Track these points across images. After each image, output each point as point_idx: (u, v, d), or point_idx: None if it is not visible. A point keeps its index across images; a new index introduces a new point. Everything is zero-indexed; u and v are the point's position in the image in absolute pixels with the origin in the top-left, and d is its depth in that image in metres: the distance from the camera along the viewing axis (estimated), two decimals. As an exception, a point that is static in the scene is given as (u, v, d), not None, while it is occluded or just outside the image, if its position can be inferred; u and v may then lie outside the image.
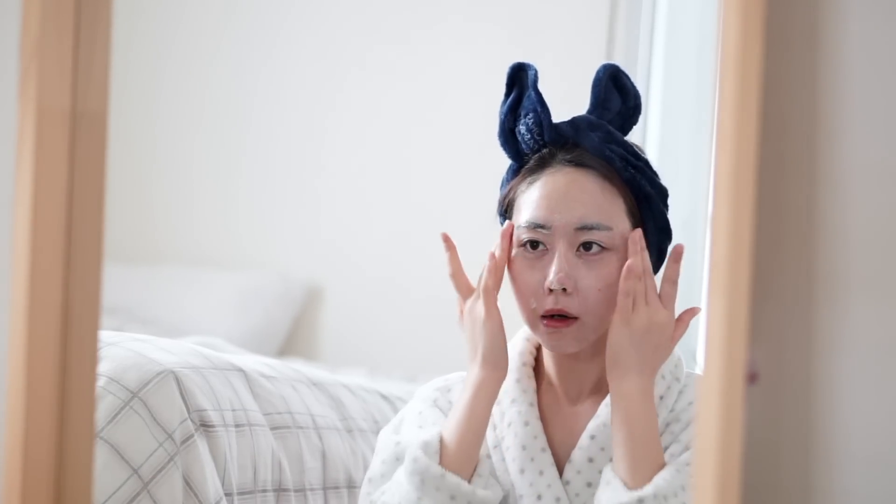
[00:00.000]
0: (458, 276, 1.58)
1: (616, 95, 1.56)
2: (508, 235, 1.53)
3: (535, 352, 1.60)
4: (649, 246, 1.54)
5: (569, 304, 1.48)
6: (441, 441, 1.48)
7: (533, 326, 1.52)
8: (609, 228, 1.49)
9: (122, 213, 3.86)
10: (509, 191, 1.57)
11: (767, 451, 1.04)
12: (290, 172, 3.77)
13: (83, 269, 1.18)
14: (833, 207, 1.04)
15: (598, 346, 1.54)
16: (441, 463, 1.47)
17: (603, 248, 1.49)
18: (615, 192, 1.51)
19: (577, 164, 1.52)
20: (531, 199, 1.52)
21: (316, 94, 3.74)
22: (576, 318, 1.49)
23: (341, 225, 3.67)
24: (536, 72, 1.55)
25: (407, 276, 3.56)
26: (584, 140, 1.53)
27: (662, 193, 1.56)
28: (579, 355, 1.54)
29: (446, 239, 1.59)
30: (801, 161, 1.04)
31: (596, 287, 1.49)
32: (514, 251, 1.53)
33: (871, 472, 1.03)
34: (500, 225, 1.59)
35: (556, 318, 1.49)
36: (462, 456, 1.48)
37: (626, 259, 1.50)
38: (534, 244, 1.51)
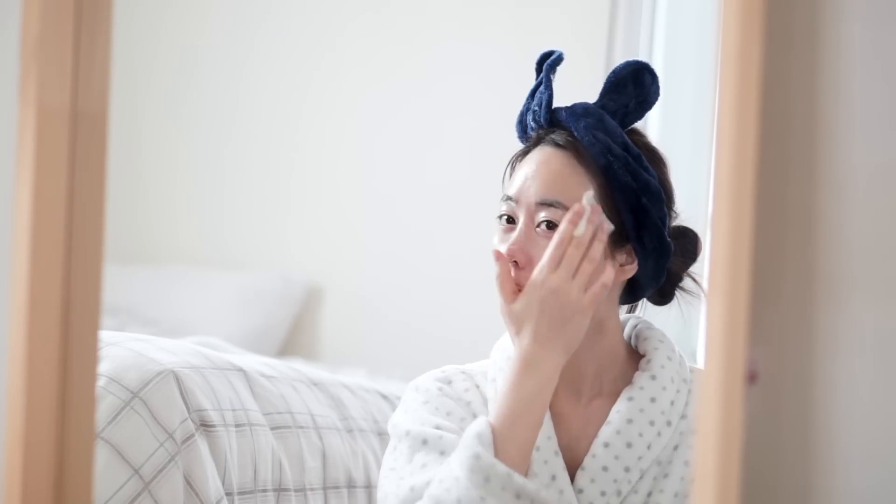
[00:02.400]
0: (507, 278, 1.49)
1: (631, 89, 1.57)
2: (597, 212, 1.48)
3: None
4: (636, 242, 1.53)
5: (521, 278, 1.49)
6: (493, 431, 1.40)
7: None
8: (568, 208, 1.49)
9: (122, 213, 3.86)
10: (509, 171, 1.60)
11: (767, 451, 1.04)
12: (290, 173, 3.77)
13: (83, 269, 1.18)
14: (833, 207, 1.04)
15: (591, 341, 1.52)
16: (498, 456, 1.39)
17: None
18: (586, 177, 1.52)
19: (556, 144, 1.54)
20: (515, 175, 1.56)
21: (316, 95, 3.74)
22: None
23: (341, 225, 3.67)
24: (558, 56, 1.58)
25: (407, 277, 3.56)
26: (572, 124, 1.54)
27: (651, 190, 1.53)
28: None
29: (499, 255, 1.50)
30: (801, 161, 1.04)
31: None
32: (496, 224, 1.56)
33: (871, 472, 1.03)
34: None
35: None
36: (523, 451, 1.41)
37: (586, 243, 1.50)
38: (509, 218, 1.54)
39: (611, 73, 1.57)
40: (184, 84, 3.95)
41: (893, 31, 1.03)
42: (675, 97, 3.20)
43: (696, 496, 1.05)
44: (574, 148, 1.53)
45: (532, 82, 1.61)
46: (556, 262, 1.45)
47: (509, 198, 1.54)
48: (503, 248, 1.51)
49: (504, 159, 1.62)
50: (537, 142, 1.57)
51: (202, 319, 3.48)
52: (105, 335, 1.73)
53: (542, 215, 1.50)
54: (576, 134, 1.54)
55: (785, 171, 1.05)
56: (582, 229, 1.46)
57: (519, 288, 1.49)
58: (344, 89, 3.70)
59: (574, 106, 1.56)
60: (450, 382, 1.57)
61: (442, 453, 1.46)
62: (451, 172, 3.52)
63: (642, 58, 3.20)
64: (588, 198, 1.47)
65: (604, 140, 1.53)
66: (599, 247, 1.46)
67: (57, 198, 1.16)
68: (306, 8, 3.77)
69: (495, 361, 1.57)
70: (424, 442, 1.47)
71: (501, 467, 1.38)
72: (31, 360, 1.15)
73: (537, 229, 1.51)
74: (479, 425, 1.42)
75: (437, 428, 1.49)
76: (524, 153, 1.58)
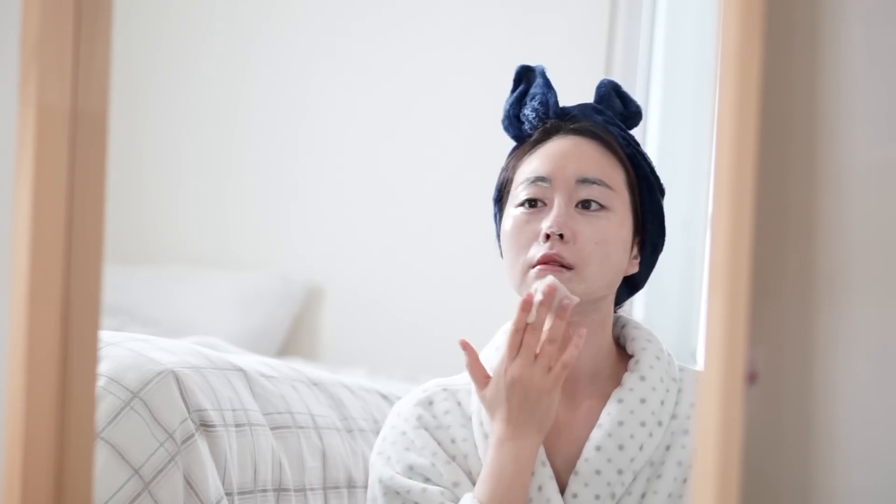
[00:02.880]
0: (475, 367, 1.49)
1: (618, 101, 1.59)
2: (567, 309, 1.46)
3: None
4: (644, 234, 1.55)
5: (564, 252, 1.47)
6: None
7: (521, 281, 1.50)
8: (610, 187, 1.51)
9: (122, 213, 3.86)
10: (508, 167, 1.58)
11: (767, 451, 1.04)
12: (290, 173, 3.77)
13: (83, 269, 1.18)
14: (833, 207, 1.04)
15: (592, 341, 1.52)
16: None
17: (602, 207, 1.50)
18: (616, 163, 1.53)
19: (581, 132, 1.54)
20: (532, 162, 1.54)
21: (316, 95, 3.74)
22: (570, 268, 1.48)
23: (341, 225, 3.67)
24: (545, 68, 1.59)
25: (407, 276, 3.56)
26: (590, 117, 1.56)
27: (660, 186, 1.58)
28: None
29: (465, 346, 1.50)
30: (801, 161, 1.04)
31: (593, 240, 1.48)
32: (512, 212, 1.53)
33: (871, 472, 1.03)
34: (494, 215, 1.59)
35: (551, 264, 1.47)
36: None
37: (623, 226, 1.51)
38: (532, 202, 1.51)
39: (597, 87, 1.60)
40: (184, 84, 3.95)
41: (893, 31, 1.03)
42: (675, 97, 3.20)
43: (696, 496, 1.05)
44: (600, 136, 1.54)
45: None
46: (515, 350, 1.46)
47: (539, 179, 1.51)
48: (526, 232, 1.50)
49: (503, 160, 1.62)
50: (551, 132, 1.55)
51: (202, 319, 3.48)
52: (105, 335, 1.73)
53: (583, 193, 1.50)
54: (597, 125, 1.55)
55: (785, 171, 1.05)
56: (533, 317, 1.45)
57: (560, 261, 1.47)
58: (344, 91, 3.70)
59: (582, 104, 1.58)
60: (430, 403, 1.57)
61: None
62: (450, 173, 3.52)
63: (642, 59, 3.21)
64: (544, 283, 1.46)
65: (621, 133, 1.56)
66: (561, 325, 1.45)
67: (57, 198, 1.16)
68: (308, 8, 3.77)
69: None
70: (397, 493, 1.50)
71: None
72: (31, 360, 1.15)
73: (577, 208, 1.50)
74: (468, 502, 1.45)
75: (411, 468, 1.51)
76: (535, 143, 1.56)
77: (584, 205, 1.50)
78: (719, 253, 1.03)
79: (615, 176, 1.52)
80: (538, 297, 1.44)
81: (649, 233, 1.56)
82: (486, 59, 3.47)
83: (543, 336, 1.45)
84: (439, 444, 1.53)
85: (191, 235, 3.91)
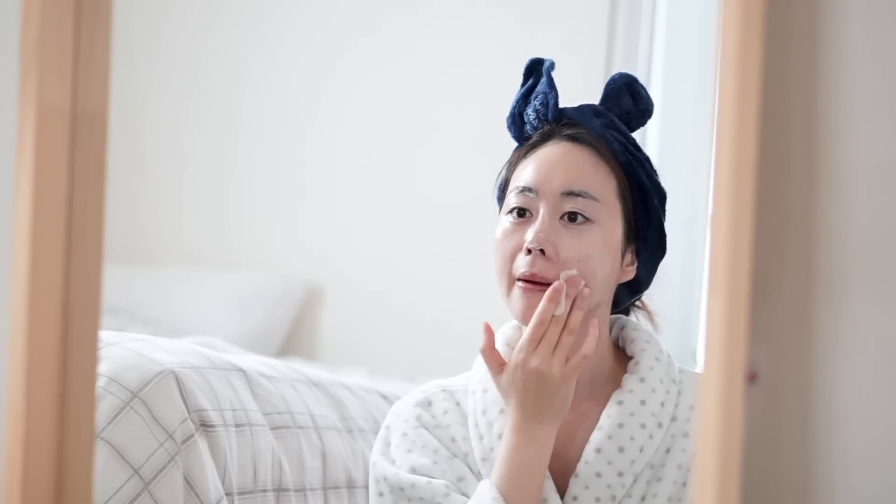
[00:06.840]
0: (490, 352, 1.50)
1: (628, 98, 1.57)
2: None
3: None
4: (641, 243, 1.54)
5: (545, 269, 1.47)
6: (504, 497, 1.44)
7: (507, 292, 1.50)
8: (596, 200, 1.49)
9: (122, 213, 3.86)
10: (508, 168, 1.58)
11: (767, 451, 1.04)
12: (290, 173, 3.77)
13: (83, 269, 1.18)
14: (833, 207, 1.04)
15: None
16: None
17: (587, 220, 1.49)
18: (608, 171, 1.52)
19: (574, 139, 1.52)
20: (525, 168, 1.53)
21: (316, 94, 3.74)
22: (550, 285, 1.47)
23: (341, 225, 3.67)
24: (553, 63, 1.57)
25: (407, 277, 3.56)
26: (586, 123, 1.54)
27: (660, 192, 1.56)
28: None
29: (487, 329, 1.50)
30: (801, 161, 1.04)
31: (576, 256, 1.47)
32: (501, 219, 1.53)
33: (871, 472, 1.03)
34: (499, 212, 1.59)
35: (533, 283, 1.47)
36: None
37: (611, 238, 1.50)
38: (521, 212, 1.51)
39: (606, 84, 1.58)
40: (184, 84, 3.95)
41: (893, 31, 1.03)
42: (675, 98, 3.20)
43: (696, 496, 1.05)
44: (593, 143, 1.52)
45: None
46: (536, 342, 1.45)
47: (526, 189, 1.50)
48: (512, 242, 1.49)
49: (503, 160, 1.62)
50: (547, 137, 1.54)
51: (202, 319, 3.48)
52: (105, 335, 1.73)
53: (568, 206, 1.49)
54: (591, 131, 1.53)
55: (785, 171, 1.05)
56: (563, 308, 1.45)
57: (542, 280, 1.47)
58: (343, 90, 3.70)
59: (582, 106, 1.56)
60: (429, 404, 1.57)
61: (421, 499, 1.49)
62: (450, 173, 3.52)
63: (642, 59, 3.21)
64: (565, 273, 1.46)
65: (619, 138, 1.53)
66: (579, 315, 1.45)
67: (57, 198, 1.16)
68: (307, 10, 3.77)
69: (476, 373, 1.57)
70: (402, 490, 1.50)
71: None
72: (31, 360, 1.15)
73: (563, 221, 1.49)
74: (490, 491, 1.44)
75: (414, 470, 1.51)
76: (531, 147, 1.55)
77: (571, 217, 1.49)
78: (719, 253, 1.03)
79: (605, 186, 1.51)
80: (565, 288, 1.45)
81: (646, 240, 1.55)
82: (487, 59, 3.47)
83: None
84: (440, 441, 1.53)
85: (191, 235, 3.91)
